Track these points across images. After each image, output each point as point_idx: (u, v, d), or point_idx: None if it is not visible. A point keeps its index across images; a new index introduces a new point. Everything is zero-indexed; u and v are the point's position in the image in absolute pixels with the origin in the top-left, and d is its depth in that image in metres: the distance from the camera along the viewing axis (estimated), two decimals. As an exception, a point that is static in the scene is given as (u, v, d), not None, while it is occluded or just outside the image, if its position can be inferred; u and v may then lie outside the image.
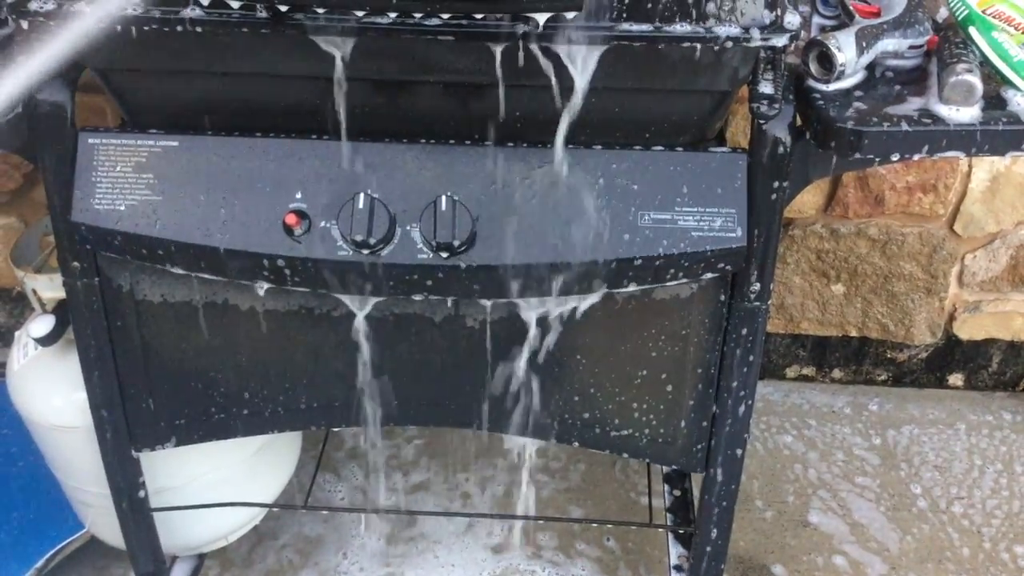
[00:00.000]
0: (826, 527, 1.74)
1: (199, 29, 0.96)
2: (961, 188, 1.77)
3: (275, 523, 1.72)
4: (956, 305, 1.93)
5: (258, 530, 1.64)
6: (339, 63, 0.98)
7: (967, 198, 1.78)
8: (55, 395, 1.34)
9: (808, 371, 2.06)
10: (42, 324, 1.28)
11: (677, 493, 1.67)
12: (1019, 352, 2.00)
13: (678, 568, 1.51)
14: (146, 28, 0.96)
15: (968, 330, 1.96)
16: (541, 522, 1.72)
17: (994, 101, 1.00)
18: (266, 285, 1.09)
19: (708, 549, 1.33)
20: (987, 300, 1.92)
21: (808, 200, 1.80)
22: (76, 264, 1.13)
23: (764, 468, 1.85)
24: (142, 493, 1.32)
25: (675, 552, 1.55)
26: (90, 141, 1.08)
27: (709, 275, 1.08)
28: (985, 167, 1.75)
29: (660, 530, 1.64)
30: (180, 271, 1.10)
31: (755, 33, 0.95)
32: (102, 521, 1.48)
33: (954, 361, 2.02)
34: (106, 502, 1.35)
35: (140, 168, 1.07)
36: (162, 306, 1.17)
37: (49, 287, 1.30)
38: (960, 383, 2.05)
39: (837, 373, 2.06)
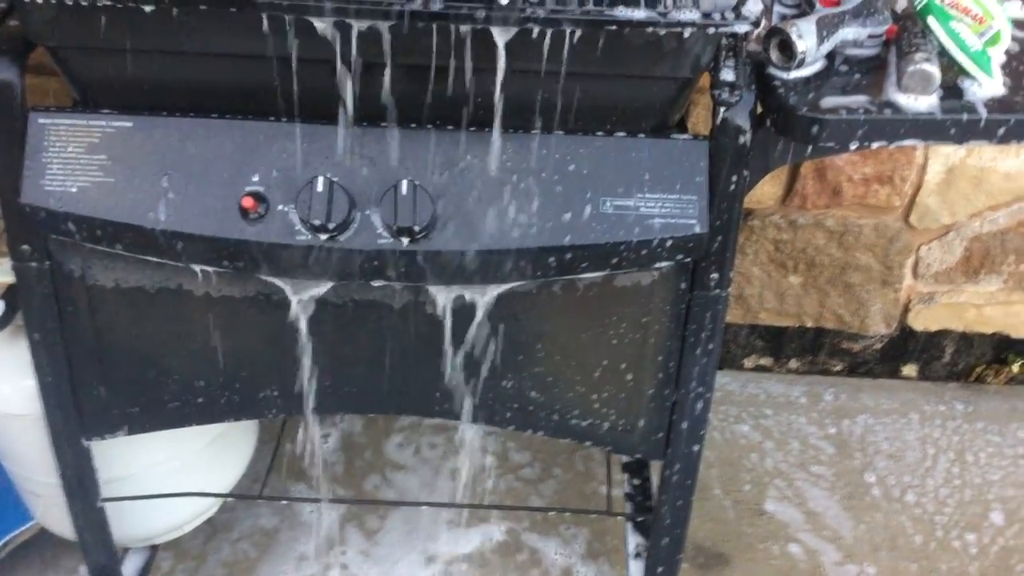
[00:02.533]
0: (782, 515, 1.76)
1: (151, 7, 0.93)
2: (917, 180, 1.79)
3: (230, 515, 1.69)
4: (911, 296, 1.96)
5: (213, 522, 1.62)
6: (296, 44, 0.96)
7: (922, 190, 1.80)
8: (3, 382, 1.31)
9: (765, 361, 2.08)
10: (-10, 310, 1.25)
11: (636, 482, 1.67)
12: (972, 343, 2.03)
13: (637, 556, 1.51)
14: (99, 4, 0.94)
15: (922, 321, 1.99)
16: (500, 512, 1.71)
17: (952, 90, 1.02)
18: (221, 270, 1.07)
19: (666, 537, 1.33)
20: (941, 291, 1.95)
21: (767, 191, 1.81)
22: (26, 248, 1.10)
23: (721, 457, 1.87)
24: (93, 483, 1.30)
25: (633, 541, 1.55)
26: (40, 121, 1.05)
27: (670, 262, 1.08)
28: (940, 159, 1.77)
29: (619, 520, 1.65)
30: (133, 255, 1.08)
31: (717, 19, 0.95)
32: (52, 512, 1.45)
33: (908, 352, 2.05)
34: (56, 492, 1.32)
35: (92, 149, 1.05)
36: (115, 291, 1.14)
37: (-3, 272, 1.27)
38: (914, 374, 2.08)
39: (793, 363, 2.07)
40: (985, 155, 1.77)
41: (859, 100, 1.00)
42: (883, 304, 1.95)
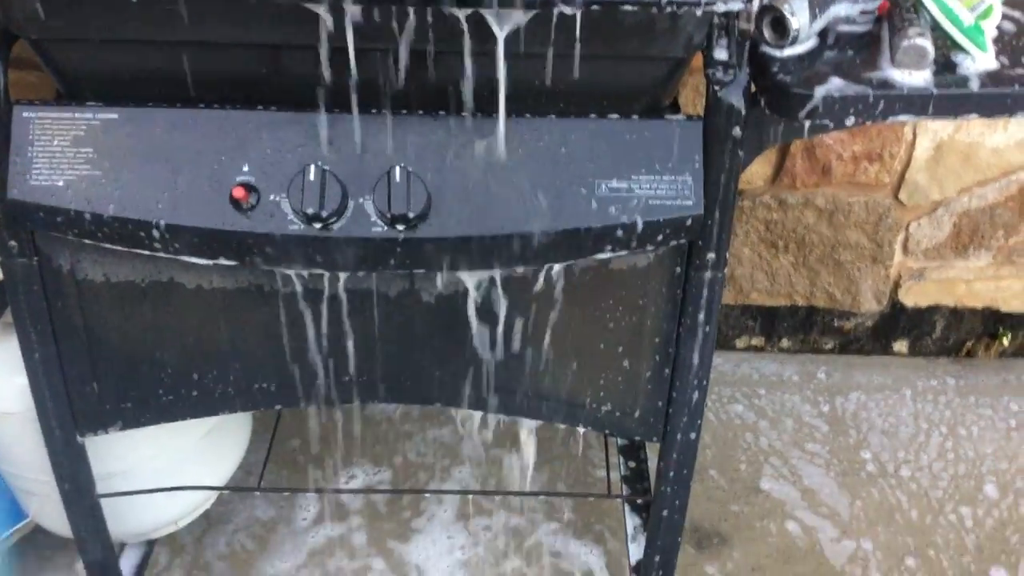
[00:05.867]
0: (778, 493, 1.76)
1: (138, -5, 0.92)
2: (906, 157, 1.80)
3: (226, 508, 1.69)
4: (901, 273, 1.96)
5: (208, 515, 1.61)
6: (286, 30, 0.95)
7: (911, 166, 1.80)
8: (-7, 380, 1.29)
9: (757, 341, 2.08)
10: (-22, 307, 1.24)
11: (633, 464, 1.68)
12: (962, 318, 2.04)
13: (635, 539, 1.52)
14: (82, -6, 0.92)
15: (913, 297, 1.99)
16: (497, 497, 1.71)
17: (945, 65, 1.01)
18: (213, 262, 1.06)
19: (665, 518, 1.33)
20: (931, 267, 1.96)
21: (757, 171, 1.81)
22: (13, 244, 1.09)
23: (716, 437, 1.87)
24: (88, 479, 1.29)
25: (632, 522, 1.55)
26: (25, 115, 1.03)
27: (666, 244, 1.08)
28: (929, 136, 1.77)
29: (616, 502, 1.65)
30: (123, 249, 1.07)
31: (710, -2, 0.94)
32: (47, 509, 1.44)
33: (899, 328, 2.05)
34: (50, 490, 1.31)
35: (79, 142, 1.03)
36: (105, 286, 1.13)
37: (-16, 269, 1.25)
38: (905, 350, 2.08)
39: (785, 343, 2.08)
40: (973, 131, 1.77)
41: (853, 76, 0.99)
42: (874, 281, 1.95)
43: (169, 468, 1.41)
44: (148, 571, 1.57)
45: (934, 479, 1.80)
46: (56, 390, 1.19)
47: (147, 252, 1.06)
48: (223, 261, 1.05)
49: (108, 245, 1.06)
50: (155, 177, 1.02)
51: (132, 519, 1.44)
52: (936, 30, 1.02)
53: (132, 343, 1.18)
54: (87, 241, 1.06)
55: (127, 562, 1.52)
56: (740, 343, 2.08)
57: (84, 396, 1.21)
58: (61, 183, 1.03)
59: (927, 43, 0.98)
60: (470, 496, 1.71)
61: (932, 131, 1.77)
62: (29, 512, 1.51)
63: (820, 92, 0.96)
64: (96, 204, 1.03)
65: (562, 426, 1.32)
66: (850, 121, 0.98)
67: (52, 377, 1.18)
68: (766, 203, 1.85)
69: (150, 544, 1.57)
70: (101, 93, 1.05)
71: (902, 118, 0.99)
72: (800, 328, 2.05)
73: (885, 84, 0.98)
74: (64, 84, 1.07)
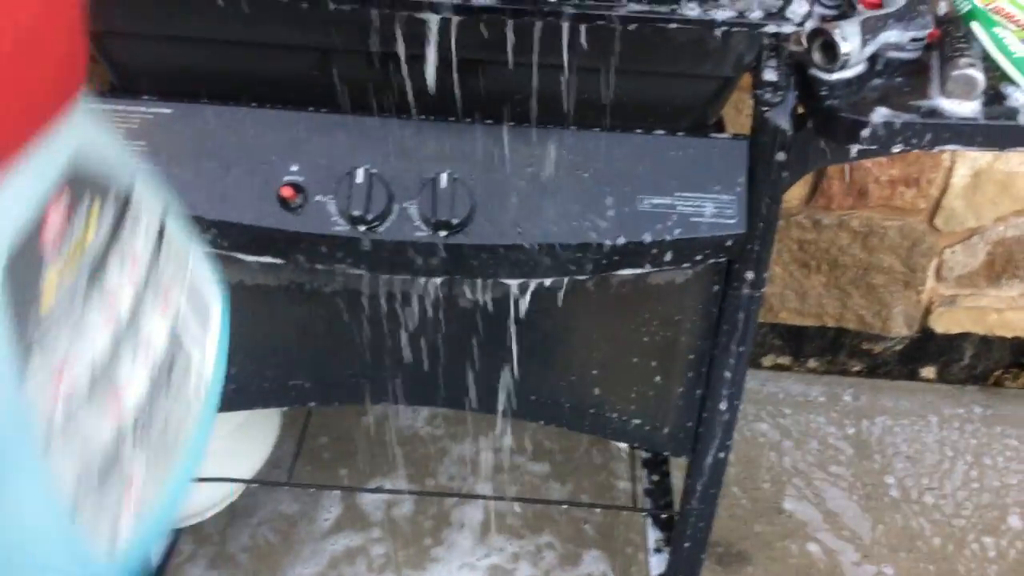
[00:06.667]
0: (800, 514, 1.76)
1: (199, -6, 0.94)
2: (943, 183, 1.79)
3: (251, 500, 1.70)
4: (933, 299, 1.95)
5: (234, 507, 1.63)
6: (342, 34, 0.97)
7: (948, 193, 1.80)
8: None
9: (784, 360, 2.08)
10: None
11: (656, 478, 1.68)
12: (991, 347, 2.03)
13: (657, 551, 1.52)
14: (145, -9, 0.94)
15: (944, 324, 1.98)
16: (518, 508, 1.72)
17: (994, 96, 1.01)
18: (259, 259, 1.07)
19: (690, 534, 1.33)
20: (963, 295, 1.95)
21: (792, 191, 1.81)
22: (62, 232, 1.10)
23: (740, 455, 1.87)
24: (121, 467, 1.30)
25: (653, 536, 1.56)
26: (81, 106, 1.05)
27: (706, 261, 1.08)
28: (967, 163, 1.77)
29: (637, 515, 1.65)
30: (170, 242, 1.08)
31: (761, 19, 0.95)
32: (77, 494, 1.46)
33: (927, 354, 2.05)
34: (83, 475, 1.33)
35: (132, 135, 1.05)
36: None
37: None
38: (933, 376, 2.08)
39: (812, 363, 2.07)
40: (1013, 160, 1.76)
41: (901, 103, 0.99)
42: (905, 306, 1.94)
43: (200, 459, 1.43)
44: (173, 560, 1.58)
45: (958, 507, 1.79)
46: (95, 377, 1.21)
47: (194, 246, 1.07)
48: (268, 259, 1.07)
49: (156, 238, 1.07)
50: (206, 173, 1.04)
51: (160, 508, 1.46)
52: (987, 60, 1.02)
53: (173, 335, 1.19)
54: (135, 233, 1.08)
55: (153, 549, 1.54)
56: (767, 361, 2.08)
57: (122, 385, 1.22)
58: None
59: (978, 73, 0.98)
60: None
61: (971, 159, 1.76)
62: (59, 496, 1.53)
63: (869, 118, 0.96)
64: (146, 197, 1.04)
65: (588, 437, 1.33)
66: (897, 148, 0.98)
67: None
68: (800, 223, 1.85)
69: (176, 533, 1.59)
70: (155, 87, 1.06)
71: (949, 147, 0.99)
72: (828, 349, 2.05)
73: (934, 113, 0.98)
74: (118, 77, 1.09)
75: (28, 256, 0.44)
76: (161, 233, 0.55)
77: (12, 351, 0.43)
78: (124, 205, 0.52)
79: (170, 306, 0.54)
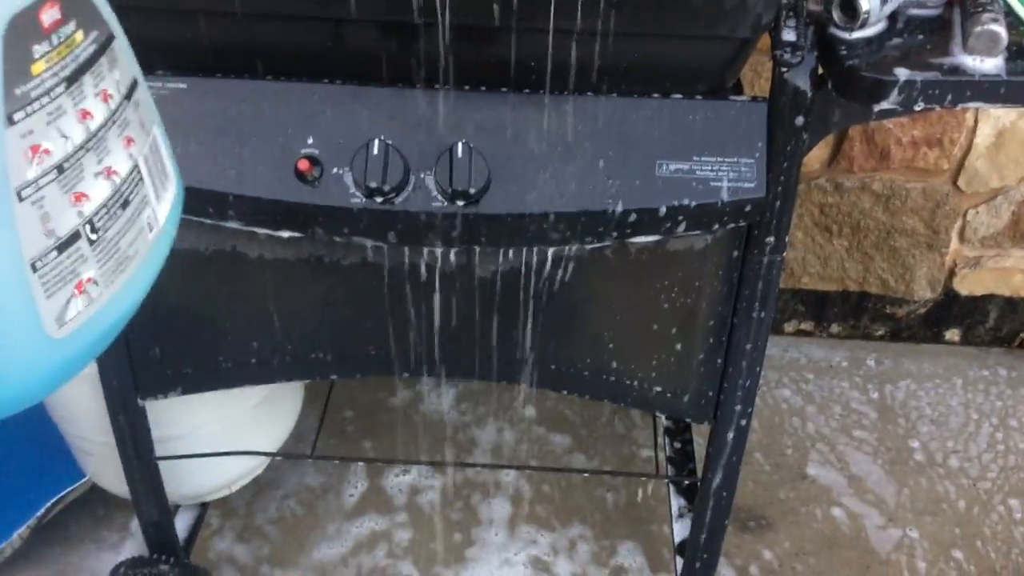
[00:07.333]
0: (824, 479, 1.76)
1: (211, -33, 0.93)
2: (966, 143, 1.77)
3: (275, 474, 1.72)
4: (956, 261, 1.93)
5: (259, 480, 1.64)
6: (354, 4, 0.96)
7: (971, 153, 1.78)
8: (58, 343, 1.32)
9: (806, 326, 2.07)
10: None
11: (678, 445, 1.68)
12: (1016, 308, 2.01)
13: (680, 517, 1.52)
14: (156, -35, 0.93)
15: (968, 285, 1.97)
16: (536, 478, 1.72)
17: (1017, 52, 0.99)
18: (277, 232, 1.07)
19: (713, 501, 1.33)
20: (988, 256, 1.93)
21: (814, 154, 1.79)
22: (81, 210, 1.11)
23: (763, 421, 1.86)
24: (147, 442, 1.32)
25: (677, 503, 1.56)
26: (96, 83, 1.05)
27: (725, 227, 1.07)
28: (991, 122, 1.74)
29: (658, 482, 1.65)
30: (189, 218, 1.08)
31: (780, -21, 0.93)
32: (104, 469, 1.47)
33: (951, 317, 2.03)
34: (109, 451, 1.34)
35: (148, 111, 1.05)
36: (170, 253, 1.15)
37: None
38: (957, 339, 2.06)
39: (835, 328, 2.06)
40: (1037, 118, 1.74)
41: (923, 61, 0.98)
42: (929, 268, 1.93)
43: (225, 433, 1.44)
44: (201, 532, 1.60)
45: (983, 470, 1.79)
46: (119, 354, 1.22)
47: (212, 222, 1.08)
48: (286, 232, 1.07)
49: (174, 214, 1.08)
50: (222, 148, 1.04)
51: (187, 482, 1.48)
52: (1010, 15, 1.00)
53: (194, 310, 1.20)
54: (154, 209, 1.08)
55: (181, 523, 1.56)
56: (789, 327, 2.07)
57: (146, 361, 1.23)
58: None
59: (1001, 29, 0.96)
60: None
61: (994, 118, 1.74)
62: (87, 472, 1.55)
63: (890, 77, 0.95)
64: (163, 173, 1.04)
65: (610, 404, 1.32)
66: (919, 107, 0.97)
67: (115, 342, 1.20)
68: (822, 186, 1.83)
69: (203, 507, 1.61)
70: (170, 63, 1.06)
71: (972, 105, 0.97)
72: (851, 314, 2.03)
73: (956, 70, 0.96)
74: (134, 53, 1.09)
75: (27, 25, 0.54)
76: (131, 92, 0.65)
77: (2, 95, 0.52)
78: (107, 43, 0.62)
79: (134, 146, 0.64)
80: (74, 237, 0.58)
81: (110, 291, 0.62)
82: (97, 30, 0.61)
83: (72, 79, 0.58)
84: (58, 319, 0.57)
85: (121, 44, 0.65)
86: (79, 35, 0.59)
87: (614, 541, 1.63)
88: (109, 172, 0.61)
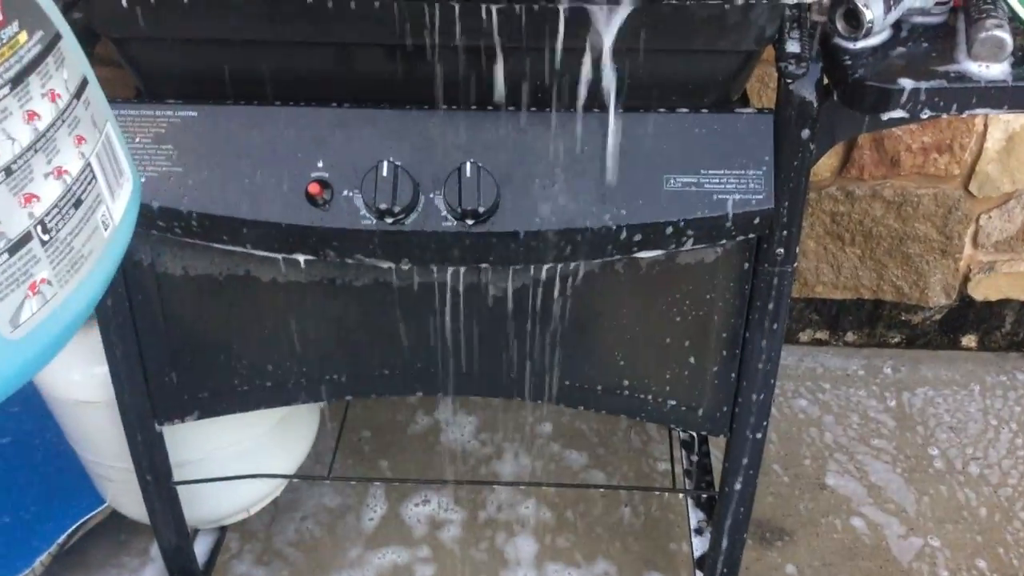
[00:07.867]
0: (843, 489, 1.75)
1: (218, -4, 0.94)
2: (976, 148, 1.76)
3: (294, 495, 1.72)
4: (971, 266, 1.93)
5: (278, 502, 1.65)
6: (358, 29, 0.97)
7: (982, 158, 1.77)
8: (75, 370, 1.33)
9: (821, 335, 2.06)
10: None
11: (695, 459, 1.67)
12: (1033, 312, 2.00)
13: (699, 532, 1.52)
14: (164, -4, 0.95)
15: (982, 291, 1.96)
16: (554, 497, 1.72)
17: (1022, 57, 0.99)
18: (289, 256, 1.08)
19: (731, 514, 1.33)
20: (1002, 260, 1.92)
21: (823, 163, 1.79)
22: (96, 238, 1.12)
23: (780, 432, 1.86)
24: (165, 467, 1.32)
25: (695, 517, 1.55)
26: (108, 113, 1.06)
27: (735, 239, 1.08)
28: (1001, 126, 1.74)
29: (676, 496, 1.65)
30: (202, 243, 1.09)
31: (782, -9, 0.94)
32: (123, 495, 1.48)
33: (967, 322, 2.02)
34: (128, 476, 1.35)
35: (159, 139, 1.06)
36: (183, 279, 1.16)
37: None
38: (973, 344, 2.05)
39: (850, 336, 2.05)
40: (1048, 121, 1.73)
41: (928, 69, 0.98)
42: (943, 274, 1.92)
43: (242, 456, 1.45)
44: (220, 556, 1.61)
45: (1003, 476, 1.77)
46: (136, 380, 1.23)
47: (225, 247, 1.08)
48: (299, 256, 1.07)
49: (188, 240, 1.09)
50: (233, 173, 1.05)
51: (206, 506, 1.48)
52: (1014, 20, 1.00)
53: (209, 335, 1.21)
54: (167, 236, 1.09)
55: (200, 547, 1.56)
56: (804, 336, 2.06)
57: (163, 386, 1.24)
58: (143, 179, 1.05)
59: (1006, 34, 0.96)
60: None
61: (1004, 122, 1.73)
62: (106, 498, 1.56)
63: (896, 86, 0.95)
64: (175, 200, 1.05)
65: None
66: (925, 114, 0.97)
67: (132, 368, 1.22)
68: (832, 195, 1.83)
69: (222, 530, 1.61)
70: (180, 91, 1.07)
71: (979, 112, 0.97)
72: (866, 322, 2.03)
73: (962, 77, 0.97)
74: (144, 82, 1.10)
75: None
76: (80, 90, 0.64)
77: None
78: (53, 42, 0.61)
79: (85, 144, 0.63)
80: (25, 239, 0.57)
81: (65, 291, 0.61)
82: (42, 30, 0.60)
83: (17, 80, 0.57)
84: (12, 321, 0.57)
85: (69, 43, 0.64)
86: (23, 36, 0.58)
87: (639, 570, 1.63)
88: (60, 172, 0.61)
